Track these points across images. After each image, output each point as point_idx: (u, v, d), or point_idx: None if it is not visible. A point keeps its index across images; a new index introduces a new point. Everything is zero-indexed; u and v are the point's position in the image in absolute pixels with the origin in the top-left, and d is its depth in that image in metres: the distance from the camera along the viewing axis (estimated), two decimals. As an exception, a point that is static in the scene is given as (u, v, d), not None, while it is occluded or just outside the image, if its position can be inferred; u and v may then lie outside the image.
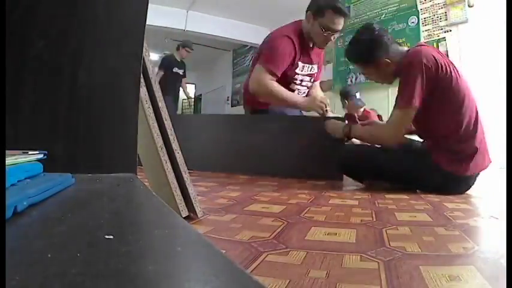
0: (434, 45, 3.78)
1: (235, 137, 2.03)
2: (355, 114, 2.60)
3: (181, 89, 4.89)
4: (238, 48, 7.84)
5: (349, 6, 4.75)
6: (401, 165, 1.40)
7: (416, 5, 3.99)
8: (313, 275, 0.45)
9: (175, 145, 0.80)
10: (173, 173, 0.78)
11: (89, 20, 0.57)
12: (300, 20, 1.95)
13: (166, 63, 4.56)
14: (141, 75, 0.64)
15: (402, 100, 1.34)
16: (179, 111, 7.17)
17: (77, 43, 0.56)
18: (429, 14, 3.87)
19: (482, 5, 3.40)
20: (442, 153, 1.34)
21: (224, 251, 0.47)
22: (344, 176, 1.68)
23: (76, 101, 0.56)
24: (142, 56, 0.62)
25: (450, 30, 3.67)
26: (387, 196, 1.23)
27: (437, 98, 1.31)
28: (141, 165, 0.82)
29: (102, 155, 0.58)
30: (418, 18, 3.95)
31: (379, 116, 3.31)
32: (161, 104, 0.80)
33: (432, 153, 1.36)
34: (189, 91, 4.65)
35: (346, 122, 1.70)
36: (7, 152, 0.31)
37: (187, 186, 0.79)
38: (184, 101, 8.71)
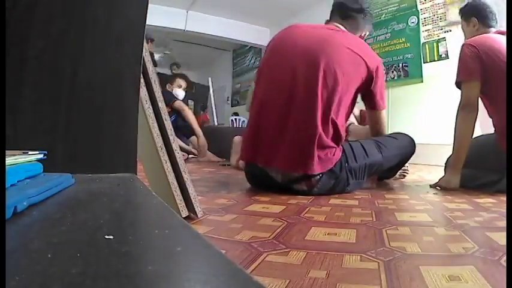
0: (435, 45, 3.79)
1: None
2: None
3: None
4: (238, 48, 7.82)
5: (349, 6, 4.75)
6: None
7: (416, 5, 3.99)
8: (313, 275, 0.45)
9: (175, 145, 0.80)
10: (173, 173, 0.78)
11: (89, 20, 0.57)
12: None
13: None
14: (141, 75, 0.64)
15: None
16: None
17: (77, 43, 0.56)
18: (429, 14, 3.87)
19: (482, 5, 3.39)
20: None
21: (224, 251, 0.47)
22: None
23: (76, 101, 0.56)
24: (142, 56, 0.62)
25: (450, 30, 3.67)
26: (387, 196, 1.23)
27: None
28: (141, 165, 0.82)
29: (102, 155, 0.58)
30: (418, 18, 3.95)
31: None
32: (161, 104, 0.80)
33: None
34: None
35: None
36: (7, 152, 0.31)
37: (187, 186, 0.79)
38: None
